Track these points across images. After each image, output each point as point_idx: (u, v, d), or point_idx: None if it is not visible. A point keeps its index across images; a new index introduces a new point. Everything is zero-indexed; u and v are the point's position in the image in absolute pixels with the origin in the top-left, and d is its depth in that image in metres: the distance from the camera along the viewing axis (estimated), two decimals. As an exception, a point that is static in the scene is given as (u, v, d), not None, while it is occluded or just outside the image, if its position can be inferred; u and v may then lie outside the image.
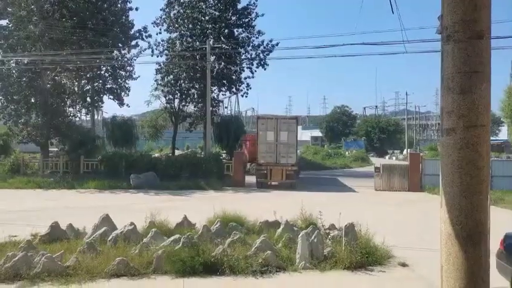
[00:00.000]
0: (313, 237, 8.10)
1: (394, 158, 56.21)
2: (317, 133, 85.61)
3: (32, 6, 25.08)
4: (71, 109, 31.25)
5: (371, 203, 17.38)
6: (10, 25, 26.64)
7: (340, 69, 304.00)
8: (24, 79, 27.02)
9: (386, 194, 20.44)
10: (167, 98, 37.05)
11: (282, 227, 9.47)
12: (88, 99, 31.78)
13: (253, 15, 35.37)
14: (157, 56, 34.15)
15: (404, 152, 59.32)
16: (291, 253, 8.13)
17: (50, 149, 29.70)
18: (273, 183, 22.98)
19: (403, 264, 8.04)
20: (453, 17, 3.38)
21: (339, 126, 78.69)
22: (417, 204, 17.61)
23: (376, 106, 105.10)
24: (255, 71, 36.03)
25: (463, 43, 3.34)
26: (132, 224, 9.01)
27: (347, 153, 54.74)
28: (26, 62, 26.40)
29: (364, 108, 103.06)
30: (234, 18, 35.28)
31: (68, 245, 8.56)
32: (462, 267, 3.25)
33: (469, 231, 3.26)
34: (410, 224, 12.67)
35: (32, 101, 27.65)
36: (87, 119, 39.65)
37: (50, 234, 9.15)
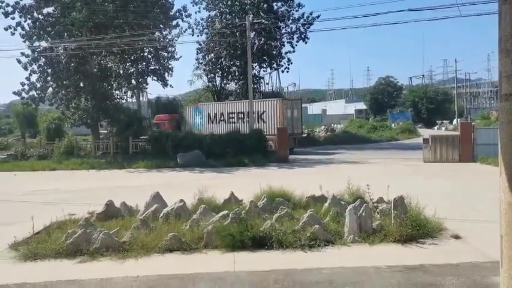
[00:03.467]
0: (361, 211, 8.01)
1: (443, 128, 54.27)
2: (361, 106, 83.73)
3: (75, -8, 25.73)
4: (117, 92, 32.21)
5: (420, 175, 16.92)
6: (56, 12, 27.53)
7: (384, 38, 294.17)
8: (72, 64, 28.01)
9: (436, 166, 19.80)
10: (209, 77, 37.47)
11: (328, 201, 9.42)
12: (133, 81, 32.58)
13: (291, -13, 34.69)
14: (198, 36, 34.40)
15: (454, 122, 57.09)
16: (339, 227, 8.09)
17: (100, 131, 30.90)
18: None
19: (456, 237, 7.79)
20: (512, -27, 3.14)
21: (383, 98, 76.42)
22: (469, 175, 16.97)
23: (423, 75, 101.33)
24: (296, 45, 35.61)
25: (522, 1, 3.11)
26: (181, 201, 9.27)
27: (393, 125, 53.32)
28: (73, 47, 27.29)
29: (410, 78, 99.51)
30: (273, -9, 34.75)
31: (122, 222, 8.95)
32: (524, 238, 3.12)
33: (531, 201, 3.10)
34: (463, 196, 12.24)
35: (81, 85, 28.68)
36: (133, 100, 40.71)
37: (106, 212, 9.60)
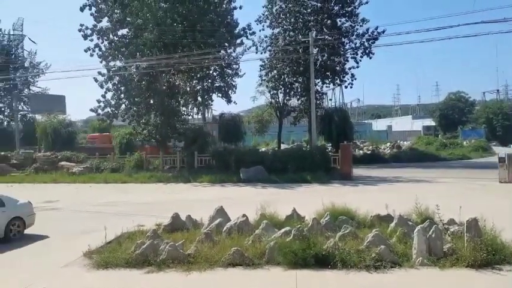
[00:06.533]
0: (430, 232, 7.64)
1: (521, 146, 50.49)
2: (429, 122, 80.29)
3: (148, 15, 27.24)
4: (184, 108, 33.40)
5: (495, 196, 15.82)
6: (129, 34, 29.31)
7: (454, 52, 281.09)
8: (143, 82, 29.54)
9: (514, 187, 18.44)
10: (271, 93, 37.73)
11: (395, 221, 9.09)
12: (199, 98, 33.67)
13: (356, 3, 34.33)
14: (261, 53, 34.92)
15: (534, 139, 53.00)
16: (406, 249, 7.76)
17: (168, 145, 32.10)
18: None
19: (538, 264, 7.18)
20: None
21: (454, 114, 72.79)
22: (552, 197, 15.61)
23: (498, 90, 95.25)
24: (360, 60, 35.04)
25: None
26: (244, 215, 9.37)
27: (465, 143, 50.48)
28: (144, 66, 28.81)
29: (484, 93, 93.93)
30: (336, 8, 34.60)
31: (187, 234, 9.21)
32: None
33: None
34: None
35: (151, 102, 30.11)
36: (199, 117, 42.04)
37: (172, 224, 9.94)
